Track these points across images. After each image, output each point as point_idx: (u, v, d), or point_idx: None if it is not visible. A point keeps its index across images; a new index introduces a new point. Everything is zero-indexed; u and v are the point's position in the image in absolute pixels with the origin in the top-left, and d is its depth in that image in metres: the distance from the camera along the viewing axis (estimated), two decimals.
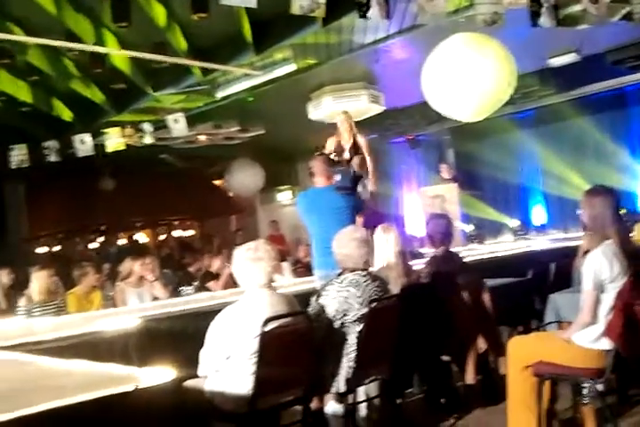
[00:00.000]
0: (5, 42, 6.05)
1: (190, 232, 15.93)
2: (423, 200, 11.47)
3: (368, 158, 6.22)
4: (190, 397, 3.04)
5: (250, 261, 3.18)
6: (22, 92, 7.51)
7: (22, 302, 5.74)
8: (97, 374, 2.33)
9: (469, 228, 11.03)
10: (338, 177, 5.24)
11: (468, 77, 5.10)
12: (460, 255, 4.99)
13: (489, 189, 11.83)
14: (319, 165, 4.89)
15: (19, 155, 7.98)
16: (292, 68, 7.44)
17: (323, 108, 8.67)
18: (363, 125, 10.37)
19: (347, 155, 6.24)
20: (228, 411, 3.03)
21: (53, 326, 4.12)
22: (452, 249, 4.80)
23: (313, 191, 4.95)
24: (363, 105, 8.74)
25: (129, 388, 2.02)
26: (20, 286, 6.34)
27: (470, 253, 6.87)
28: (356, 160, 6.18)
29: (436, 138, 12.21)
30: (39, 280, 5.75)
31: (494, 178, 11.55)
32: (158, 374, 2.13)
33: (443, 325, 4.13)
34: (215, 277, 7.11)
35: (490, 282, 4.71)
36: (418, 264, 4.94)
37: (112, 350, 3.57)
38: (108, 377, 2.23)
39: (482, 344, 4.36)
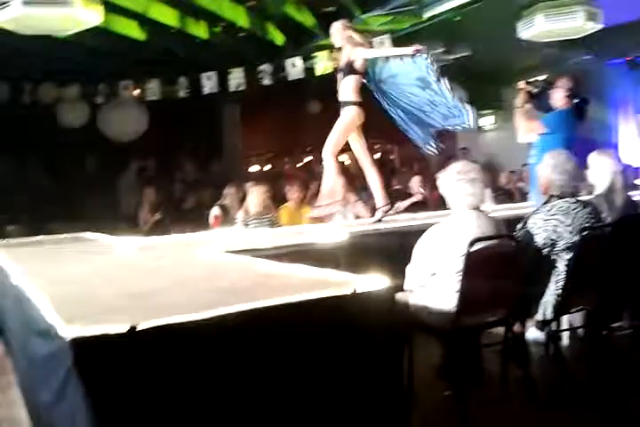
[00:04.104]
0: None
1: (390, 156, 16.09)
2: None
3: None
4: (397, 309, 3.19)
5: (461, 182, 3.18)
6: (240, 17, 7.86)
7: (240, 214, 6.16)
8: (316, 278, 2.51)
9: None
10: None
11: None
12: None
13: None
14: (561, 86, 4.72)
15: (236, 78, 8.50)
16: None
17: (534, 27, 8.10)
18: (577, 45, 9.64)
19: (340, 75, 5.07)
20: (432, 326, 3.15)
21: (270, 237, 4.48)
22: None
23: (554, 114, 4.79)
24: (578, 23, 8.02)
25: (348, 291, 2.18)
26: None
27: None
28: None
29: None
30: (255, 195, 6.15)
31: None
32: (374, 281, 2.25)
33: None
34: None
35: None
36: (636, 195, 4.63)
37: (323, 260, 3.81)
38: (327, 281, 2.37)
39: None
